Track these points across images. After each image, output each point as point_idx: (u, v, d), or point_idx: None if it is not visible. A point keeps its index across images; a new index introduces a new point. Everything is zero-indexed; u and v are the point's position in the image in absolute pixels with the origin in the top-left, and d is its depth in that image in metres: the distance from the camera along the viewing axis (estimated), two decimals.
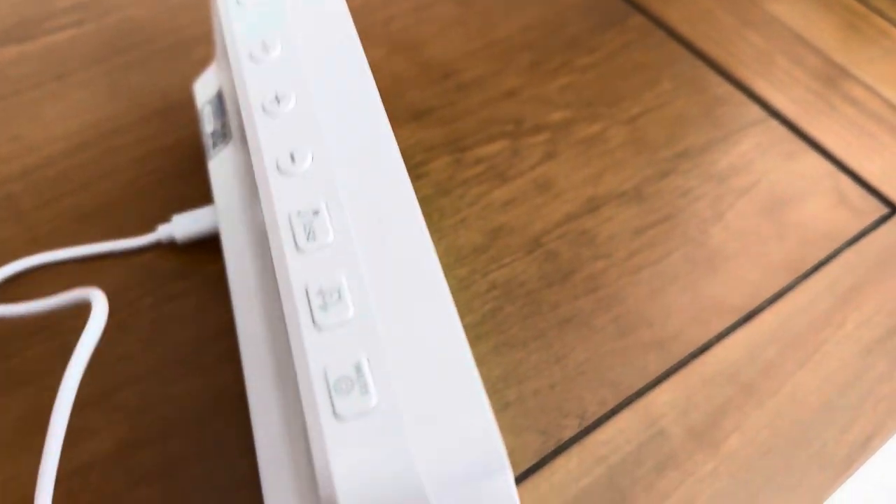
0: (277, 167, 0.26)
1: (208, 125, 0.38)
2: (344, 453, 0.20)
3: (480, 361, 0.36)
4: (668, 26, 0.52)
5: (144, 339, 0.35)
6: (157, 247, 0.38)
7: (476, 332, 0.37)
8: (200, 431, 0.33)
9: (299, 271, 0.23)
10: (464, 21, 0.51)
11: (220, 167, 0.36)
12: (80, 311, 0.36)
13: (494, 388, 0.35)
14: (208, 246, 0.38)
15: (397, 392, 0.21)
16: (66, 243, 0.38)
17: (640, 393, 0.36)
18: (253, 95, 0.27)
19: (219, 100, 0.37)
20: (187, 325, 0.36)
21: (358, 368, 0.21)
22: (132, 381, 0.34)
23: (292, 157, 0.26)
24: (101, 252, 0.37)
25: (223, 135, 0.36)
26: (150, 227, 0.39)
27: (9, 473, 0.32)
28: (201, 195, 0.40)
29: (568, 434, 0.34)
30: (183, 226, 0.37)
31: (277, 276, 0.24)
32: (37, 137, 0.42)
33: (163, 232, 0.38)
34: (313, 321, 0.22)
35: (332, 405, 0.21)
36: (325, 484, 0.20)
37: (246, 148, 0.32)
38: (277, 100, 0.27)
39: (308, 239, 0.24)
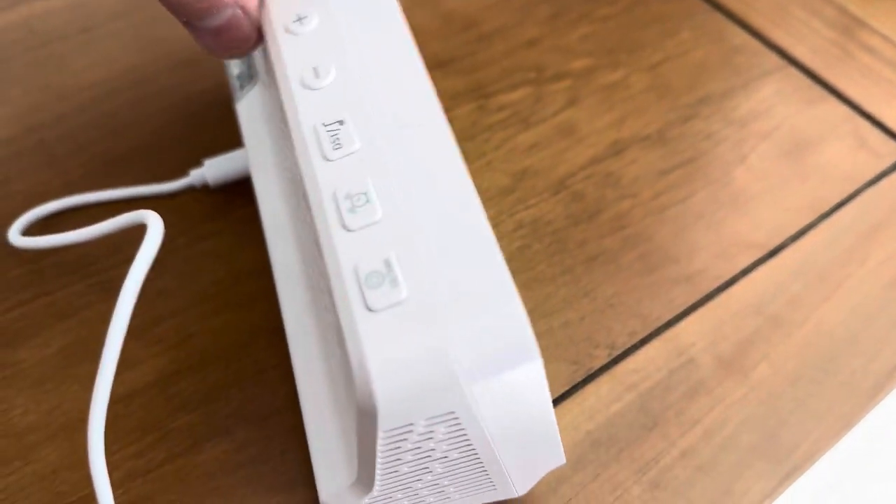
0: (302, 82, 0.26)
1: (235, 68, 0.38)
2: (377, 343, 0.21)
3: None
4: None
5: (181, 276, 0.36)
6: (189, 191, 0.39)
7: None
8: (238, 361, 0.34)
9: (327, 178, 0.24)
10: None
11: (249, 108, 0.37)
12: (119, 249, 0.36)
13: None
14: (240, 189, 0.39)
15: (427, 284, 0.21)
16: (98, 188, 0.39)
17: (669, 324, 0.36)
18: (276, 17, 0.28)
19: None
20: (222, 262, 0.36)
21: (388, 264, 0.22)
22: (170, 315, 0.35)
23: (316, 72, 0.26)
24: (134, 195, 0.38)
25: (249, 76, 0.37)
26: (181, 173, 0.39)
27: (53, 402, 0.32)
28: (231, 140, 0.41)
29: (598, 363, 0.35)
30: (215, 169, 0.38)
31: (306, 185, 0.24)
32: (66, 86, 0.43)
33: (195, 176, 0.38)
34: (343, 224, 0.23)
35: (364, 299, 0.21)
36: (360, 375, 0.21)
37: (272, 81, 0.33)
38: (300, 19, 0.28)
39: (334, 148, 0.24)
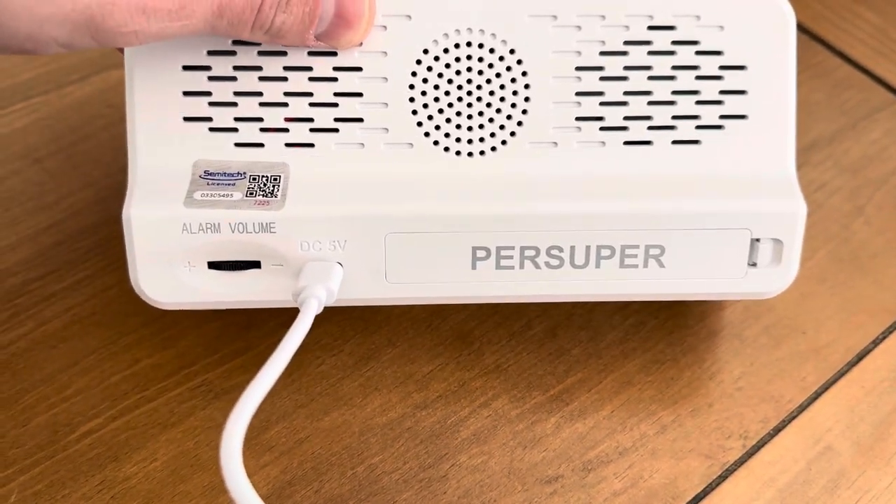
0: None
1: None
2: None
3: (629, 382, 0.34)
4: None
5: (285, 372, 0.34)
6: None
7: (621, 350, 0.35)
8: (354, 467, 0.32)
9: None
10: None
11: None
12: (215, 349, 0.35)
13: (647, 410, 0.34)
14: None
15: None
16: None
17: (802, 407, 0.34)
18: None
19: None
20: (327, 356, 0.35)
21: None
22: (279, 418, 0.33)
23: None
24: None
25: None
26: None
27: None
28: None
29: (733, 457, 0.33)
30: None
31: None
32: None
33: None
34: None
35: None
36: None
37: None
38: None
39: None
